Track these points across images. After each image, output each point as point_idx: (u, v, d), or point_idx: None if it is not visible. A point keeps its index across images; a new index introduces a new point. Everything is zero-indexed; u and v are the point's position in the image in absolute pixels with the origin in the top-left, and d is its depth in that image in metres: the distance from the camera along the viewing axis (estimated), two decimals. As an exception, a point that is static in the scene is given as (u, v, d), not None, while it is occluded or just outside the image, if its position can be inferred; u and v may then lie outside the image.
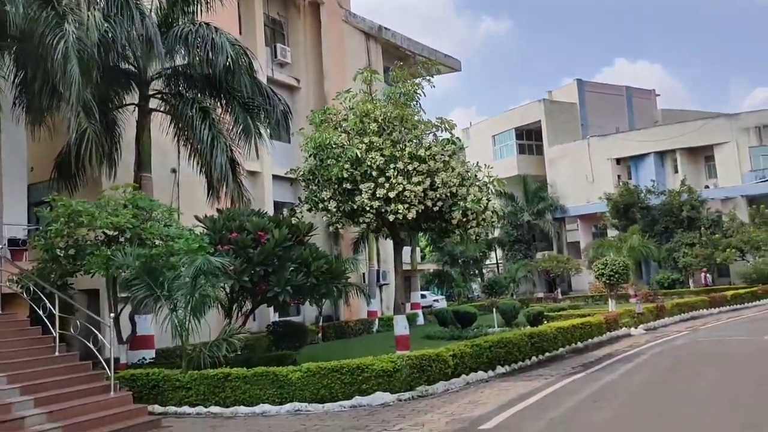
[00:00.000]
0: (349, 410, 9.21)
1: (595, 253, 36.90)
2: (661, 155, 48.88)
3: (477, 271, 50.41)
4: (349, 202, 11.76)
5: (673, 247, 41.36)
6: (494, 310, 21.99)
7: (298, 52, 28.69)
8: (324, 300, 15.95)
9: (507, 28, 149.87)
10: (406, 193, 11.30)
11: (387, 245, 32.52)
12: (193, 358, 10.19)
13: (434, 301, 41.87)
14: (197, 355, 10.21)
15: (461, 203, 11.64)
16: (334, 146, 11.61)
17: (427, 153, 11.61)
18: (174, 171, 19.80)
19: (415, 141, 11.66)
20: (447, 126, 12.46)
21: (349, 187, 11.68)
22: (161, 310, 11.06)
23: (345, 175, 11.52)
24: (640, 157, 49.45)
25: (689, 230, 41.77)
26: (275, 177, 24.25)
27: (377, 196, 11.33)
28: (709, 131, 46.59)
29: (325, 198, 11.99)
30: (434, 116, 12.82)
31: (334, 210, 12.02)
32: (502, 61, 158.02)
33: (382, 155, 11.44)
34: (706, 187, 45.75)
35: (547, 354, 14.28)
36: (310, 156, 12.03)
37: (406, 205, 11.39)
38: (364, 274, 28.52)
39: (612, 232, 45.62)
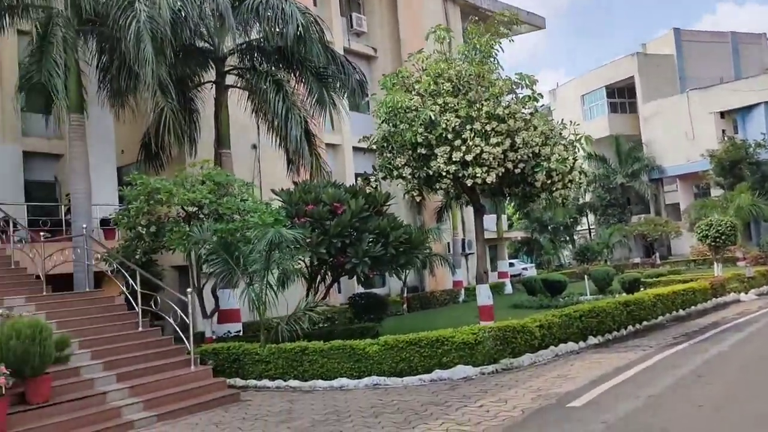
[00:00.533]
0: (429, 384, 8.82)
1: (698, 214, 34.39)
2: (773, 105, 44.66)
3: (568, 238, 48.61)
4: (425, 168, 11.19)
5: (790, 205, 37.89)
6: (586, 277, 20.86)
7: (374, 21, 28.15)
8: (405, 270, 15.58)
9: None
10: (484, 155, 10.59)
11: (471, 213, 31.80)
12: (270, 332, 10.12)
13: (523, 269, 40.82)
14: (275, 328, 10.14)
15: (544, 164, 10.80)
16: (406, 110, 11.04)
17: (506, 112, 10.81)
18: (254, 147, 19.97)
19: (493, 100, 10.87)
20: (527, 82, 11.56)
21: (424, 152, 11.11)
22: (241, 284, 11.11)
23: (419, 140, 10.95)
24: (748, 109, 45.38)
25: (806, 185, 38.09)
26: (356, 149, 24.02)
27: (453, 159, 10.69)
28: (829, 75, 42.02)
29: (400, 165, 11.49)
30: (521, 78, 11.92)
31: (410, 177, 11.50)
32: (590, 19, 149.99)
33: (458, 116, 10.76)
34: (828, 138, 41.45)
35: (644, 323, 13.30)
36: (382, 122, 11.53)
37: (485, 168, 10.70)
38: (448, 243, 28.03)
39: (716, 192, 42.41)
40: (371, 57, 27.29)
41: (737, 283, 17.80)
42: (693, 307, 15.19)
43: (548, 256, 38.54)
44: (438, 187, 11.50)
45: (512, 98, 11.43)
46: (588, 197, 50.08)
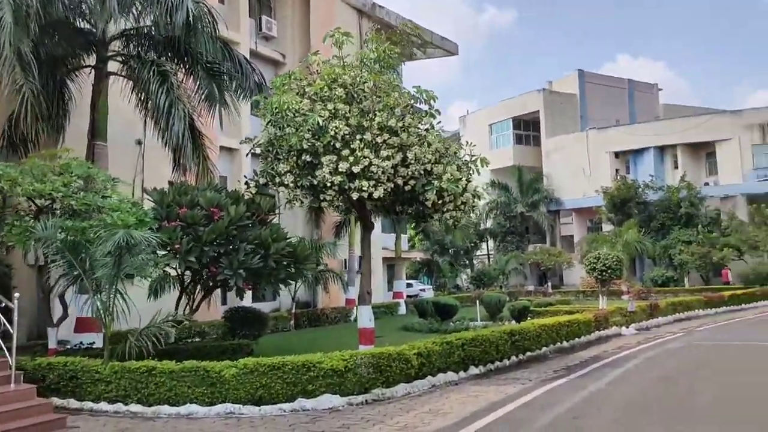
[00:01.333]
0: (288, 415, 7.91)
1: (589, 247, 35.66)
2: (661, 150, 47.54)
3: (467, 262, 49.26)
4: (309, 177, 10.37)
5: (669, 244, 40.13)
6: (477, 302, 20.70)
7: (285, 27, 27.26)
8: (287, 286, 14.61)
9: (511, 19, 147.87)
10: (373, 168, 9.91)
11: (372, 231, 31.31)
12: (116, 348, 8.87)
13: (421, 290, 40.66)
14: (123, 344, 8.91)
15: (436, 182, 10.27)
16: (295, 113, 10.22)
17: (400, 124, 10.22)
18: (139, 143, 18.45)
19: (387, 111, 10.25)
20: (426, 97, 11.06)
21: (309, 159, 10.30)
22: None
23: (305, 146, 10.13)
24: (640, 152, 48.11)
25: (686, 227, 40.53)
26: (254, 154, 22.85)
27: (340, 170, 9.93)
28: (711, 127, 45.22)
29: (282, 171, 10.59)
30: (419, 92, 11.40)
31: (292, 185, 10.64)
32: (504, 55, 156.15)
33: (348, 125, 10.05)
34: (706, 184, 44.45)
35: (528, 353, 13.02)
36: (268, 123, 10.63)
37: (373, 182, 10.02)
38: (345, 260, 27.31)
39: (607, 227, 44.42)
40: (279, 62, 26.33)
41: (619, 317, 18.12)
42: (577, 339, 15.17)
43: (445, 278, 38.52)
44: (322, 198, 10.70)
45: (408, 112, 10.83)
46: (489, 223, 51.14)
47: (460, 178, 10.65)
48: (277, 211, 14.83)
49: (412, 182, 10.51)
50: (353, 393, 8.51)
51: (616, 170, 48.73)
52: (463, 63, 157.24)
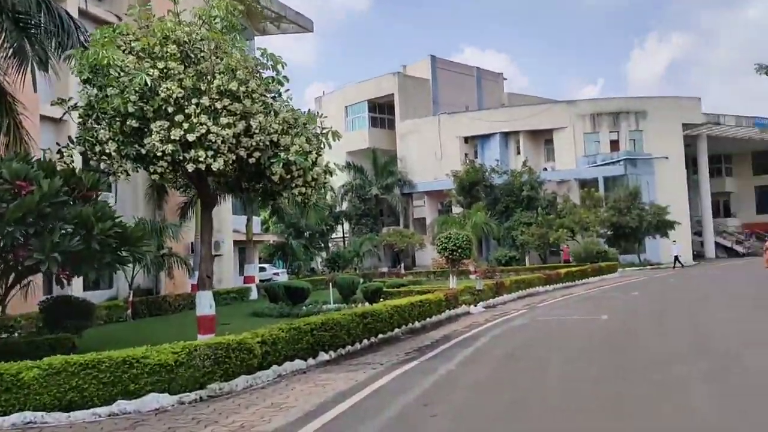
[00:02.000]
0: (105, 420, 6.76)
1: (440, 229, 36.67)
2: (506, 136, 50.15)
3: (323, 244, 48.79)
4: (136, 146, 9.06)
5: (511, 226, 42.46)
6: (330, 285, 20.18)
7: (122, -14, 24.67)
8: (115, 271, 12.99)
9: (366, 5, 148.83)
10: (211, 136, 8.84)
11: (222, 211, 29.58)
12: None
13: (274, 274, 39.54)
14: None
15: (282, 155, 9.41)
16: (119, 72, 8.83)
17: (242, 89, 9.21)
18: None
19: (228, 74, 9.19)
20: (273, 61, 10.12)
21: (137, 125, 8.99)
22: None
23: (131, 110, 8.81)
24: (487, 137, 50.40)
25: (528, 210, 43.11)
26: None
27: (172, 138, 8.75)
28: (550, 116, 48.44)
29: (104, 139, 9.16)
30: (264, 54, 10.41)
31: (115, 155, 9.25)
32: (359, 40, 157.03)
33: (182, 87, 8.87)
34: (545, 169, 47.66)
35: (380, 336, 12.67)
36: (84, 82, 9.13)
37: (212, 153, 8.95)
38: (192, 243, 25.56)
39: (457, 210, 46.09)
40: (113, 25, 23.73)
41: (468, 296, 18.48)
42: (428, 319, 15.14)
43: (299, 261, 37.72)
44: (152, 170, 9.41)
45: (253, 77, 9.83)
46: (345, 206, 51.03)
47: (310, 152, 9.89)
48: (106, 187, 13.10)
49: (257, 154, 9.56)
50: (186, 390, 7.50)
51: (465, 154, 50.72)
52: (320, 45, 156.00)
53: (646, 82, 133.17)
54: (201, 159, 8.85)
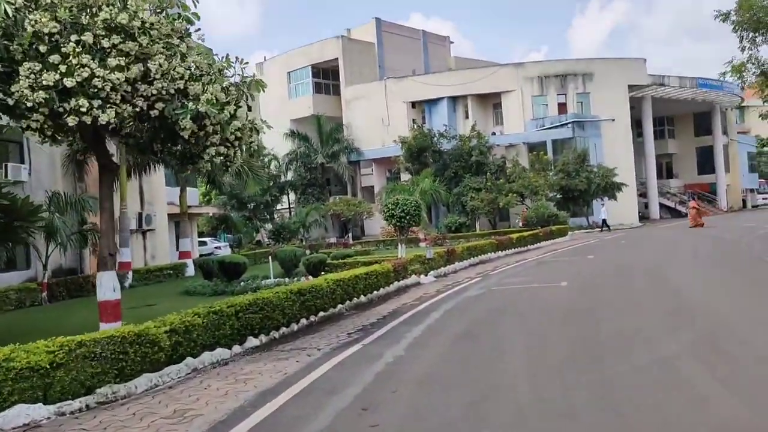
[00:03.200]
0: (-50, 447, 5.21)
1: (388, 196, 35.40)
2: (454, 100, 48.94)
3: (268, 216, 46.97)
4: (1, 94, 7.29)
5: (461, 192, 41.57)
6: (270, 258, 18.68)
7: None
8: (11, 248, 11.23)
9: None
10: (96, 82, 7.16)
11: (153, 183, 27.48)
12: None
13: (216, 248, 37.65)
14: None
15: (191, 105, 7.79)
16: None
17: (137, 24, 7.50)
18: None
19: (118, 5, 7.47)
20: (179, -4, 8.40)
21: (1, 69, 7.22)
22: None
23: (-8, 50, 7.03)
24: (434, 102, 49.09)
25: (477, 175, 42.24)
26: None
27: (44, 83, 7.03)
28: (497, 79, 47.41)
29: (-41, 86, 7.36)
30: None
31: (-24, 107, 7.46)
32: (304, 10, 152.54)
33: (56, 20, 7.13)
34: (493, 133, 46.76)
35: (321, 314, 11.34)
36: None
37: (98, 102, 7.27)
38: (119, 217, 23.52)
39: (405, 177, 44.84)
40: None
41: (418, 265, 17.33)
42: (375, 292, 13.90)
43: (239, 234, 35.89)
44: (26, 125, 7.65)
45: (153, 10, 8.10)
46: (290, 176, 49.10)
47: (228, 102, 8.30)
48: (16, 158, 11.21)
49: (159, 105, 7.90)
50: (68, 397, 5.99)
51: (413, 120, 49.35)
52: (264, 15, 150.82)
53: (588, 49, 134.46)
54: (84, 110, 7.14)
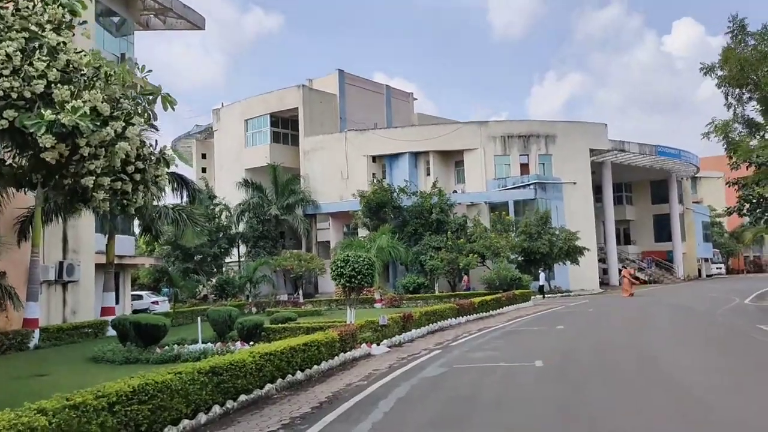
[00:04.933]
0: None
1: (343, 252, 33.19)
2: (416, 156, 47.75)
3: (215, 269, 44.13)
4: None
5: (420, 250, 39.70)
6: (200, 319, 16.14)
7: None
8: None
9: (278, 32, 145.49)
10: None
11: (80, 228, 24.70)
12: None
13: (153, 303, 34.55)
14: None
15: (49, 113, 5.61)
16: None
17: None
18: None
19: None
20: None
21: None
22: None
23: None
24: (396, 157, 47.77)
25: (437, 233, 40.55)
26: None
27: None
28: (461, 136, 46.56)
29: None
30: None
31: None
32: (271, 63, 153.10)
33: None
34: (455, 191, 45.47)
35: (243, 398, 8.96)
36: None
37: None
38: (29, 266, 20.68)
39: (363, 232, 42.83)
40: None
41: (370, 333, 15.09)
42: (316, 367, 11.57)
43: (176, 289, 32.96)
44: None
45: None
46: (241, 227, 46.54)
47: (114, 117, 6.16)
48: None
49: (10, 113, 5.71)
50: None
51: (373, 174, 47.77)
52: (230, 64, 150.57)
53: (547, 117, 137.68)
54: None
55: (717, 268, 69.73)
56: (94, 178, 6.36)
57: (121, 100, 6.46)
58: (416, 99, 62.27)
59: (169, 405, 7.27)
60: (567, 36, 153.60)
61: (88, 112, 5.71)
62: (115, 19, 28.95)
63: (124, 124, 6.30)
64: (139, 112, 6.87)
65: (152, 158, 7.69)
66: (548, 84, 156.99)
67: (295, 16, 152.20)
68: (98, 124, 5.92)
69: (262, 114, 52.58)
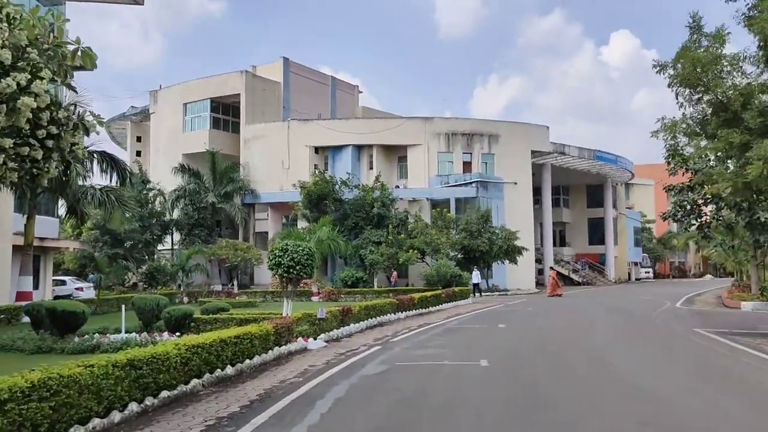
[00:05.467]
0: None
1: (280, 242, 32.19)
2: (359, 149, 47.08)
3: (147, 256, 42.16)
4: None
5: (360, 244, 39.13)
6: (123, 307, 15.02)
7: None
8: None
9: (220, 8, 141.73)
10: None
11: (-5, 208, 22.88)
12: None
13: (77, 289, 32.60)
14: None
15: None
16: None
17: None
18: None
19: None
20: None
21: None
22: None
23: None
24: (339, 149, 46.96)
25: (378, 228, 40.07)
26: None
27: None
28: (405, 131, 46.19)
29: None
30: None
31: None
32: (213, 46, 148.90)
33: None
34: (397, 186, 45.06)
35: (165, 394, 8.12)
36: None
37: None
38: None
39: (303, 224, 41.86)
40: None
41: (307, 326, 14.38)
42: (249, 361, 10.78)
43: (100, 275, 31.21)
44: None
45: None
46: (176, 214, 44.70)
47: (17, 68, 5.25)
48: None
49: None
50: None
51: (315, 165, 46.82)
52: (170, 47, 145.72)
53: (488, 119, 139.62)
54: None
55: (645, 272, 72.37)
56: (10, 144, 5.42)
57: (29, 49, 5.54)
58: (361, 92, 61.60)
59: (76, 402, 6.39)
60: (510, 40, 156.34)
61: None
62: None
63: (29, 77, 5.38)
64: (52, 68, 5.94)
65: (69, 123, 6.79)
66: (491, 86, 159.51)
67: (239, 3, 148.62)
68: (-4, 72, 5.02)
69: (202, 98, 50.72)
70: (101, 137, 55.38)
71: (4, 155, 6.16)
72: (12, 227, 23.86)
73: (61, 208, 27.53)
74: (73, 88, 6.64)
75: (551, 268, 39.95)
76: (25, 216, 21.80)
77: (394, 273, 38.68)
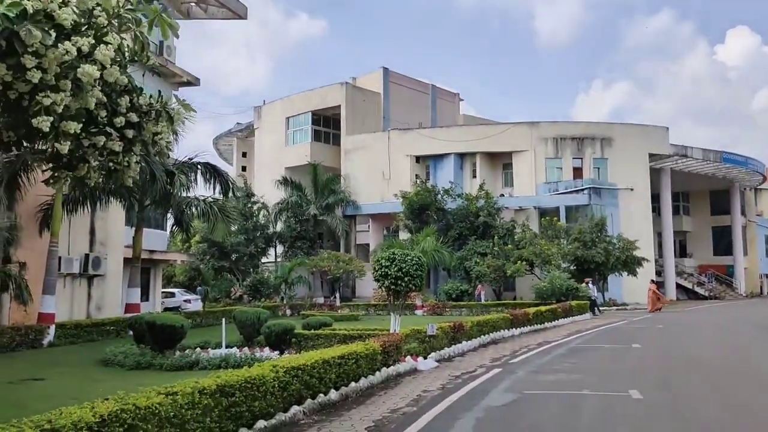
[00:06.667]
0: None
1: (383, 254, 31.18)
2: (462, 157, 45.46)
3: (251, 269, 42.61)
4: None
5: (465, 256, 37.43)
6: (224, 321, 14.34)
7: None
8: None
9: (322, 28, 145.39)
10: None
11: (109, 218, 23.36)
12: None
13: (185, 301, 33.17)
14: None
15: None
16: None
17: None
18: None
19: None
20: None
21: None
22: None
23: None
24: (440, 157, 45.60)
25: (483, 239, 38.22)
26: None
27: None
28: (510, 137, 44.08)
29: None
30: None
31: None
32: (314, 63, 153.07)
33: None
34: (502, 195, 43.00)
35: (261, 424, 7.03)
36: None
37: None
38: (61, 257, 19.40)
39: (404, 236, 40.78)
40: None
41: (416, 343, 13.02)
42: (354, 384, 9.57)
43: (207, 288, 31.43)
44: None
45: None
46: (279, 227, 45.06)
47: (77, 25, 4.28)
48: None
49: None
50: None
51: (416, 175, 45.74)
52: (274, 67, 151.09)
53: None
54: None
55: (781, 286, 65.32)
56: (51, 119, 4.47)
57: (96, 12, 4.57)
58: (462, 100, 59.90)
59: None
60: (613, 44, 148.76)
61: (32, 12, 3.85)
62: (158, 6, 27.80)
63: (93, 41, 4.40)
64: (126, 39, 4.96)
65: (151, 111, 5.84)
66: (594, 92, 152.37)
67: (338, 21, 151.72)
68: (52, 34, 4.05)
69: (303, 112, 51.15)
70: (208, 152, 57.16)
71: (81, 150, 5.26)
72: (123, 240, 24.34)
73: (169, 221, 28.03)
74: (156, 71, 5.70)
75: (652, 281, 35.59)
76: (133, 228, 22.02)
77: (479, 287, 36.23)
